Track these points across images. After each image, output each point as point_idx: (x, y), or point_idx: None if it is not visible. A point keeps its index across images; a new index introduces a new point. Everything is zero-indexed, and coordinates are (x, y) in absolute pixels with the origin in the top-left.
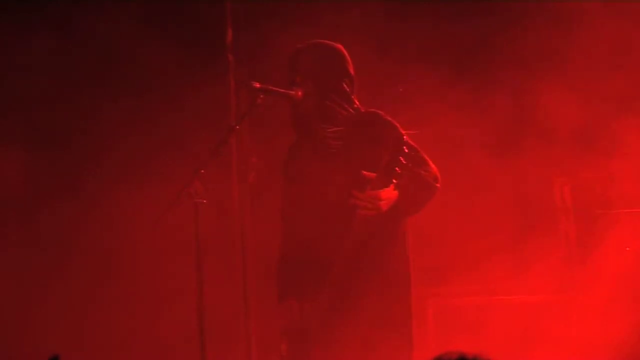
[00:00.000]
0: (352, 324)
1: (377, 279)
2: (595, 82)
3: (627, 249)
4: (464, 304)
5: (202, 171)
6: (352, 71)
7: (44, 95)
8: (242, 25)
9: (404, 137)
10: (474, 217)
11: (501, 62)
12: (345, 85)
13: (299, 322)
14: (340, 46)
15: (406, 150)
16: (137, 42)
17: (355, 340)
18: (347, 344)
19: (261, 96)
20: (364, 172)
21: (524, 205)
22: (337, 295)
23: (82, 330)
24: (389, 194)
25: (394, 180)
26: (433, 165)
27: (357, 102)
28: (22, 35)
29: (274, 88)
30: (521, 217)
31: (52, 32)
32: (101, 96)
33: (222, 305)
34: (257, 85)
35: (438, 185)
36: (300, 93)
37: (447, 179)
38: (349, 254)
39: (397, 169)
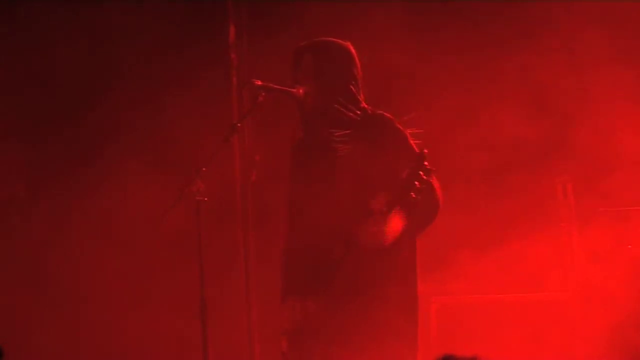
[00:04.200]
0: (356, 323)
1: (383, 278)
2: (598, 80)
3: (629, 246)
4: (466, 302)
5: (204, 169)
6: (358, 70)
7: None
8: (244, 23)
9: (425, 152)
10: (477, 215)
11: (502, 57)
12: (351, 87)
13: (301, 322)
14: (347, 44)
15: (427, 165)
16: (138, 41)
17: (358, 339)
18: (351, 343)
19: (263, 94)
20: (370, 203)
21: (527, 203)
22: (342, 294)
23: (81, 327)
24: (393, 226)
25: (413, 195)
26: (437, 183)
27: (364, 102)
28: (23, 12)
29: (276, 86)
30: (523, 216)
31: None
32: (100, 97)
33: (224, 303)
34: (259, 83)
35: (440, 204)
36: (302, 91)
37: (450, 178)
38: (355, 254)
39: (417, 183)
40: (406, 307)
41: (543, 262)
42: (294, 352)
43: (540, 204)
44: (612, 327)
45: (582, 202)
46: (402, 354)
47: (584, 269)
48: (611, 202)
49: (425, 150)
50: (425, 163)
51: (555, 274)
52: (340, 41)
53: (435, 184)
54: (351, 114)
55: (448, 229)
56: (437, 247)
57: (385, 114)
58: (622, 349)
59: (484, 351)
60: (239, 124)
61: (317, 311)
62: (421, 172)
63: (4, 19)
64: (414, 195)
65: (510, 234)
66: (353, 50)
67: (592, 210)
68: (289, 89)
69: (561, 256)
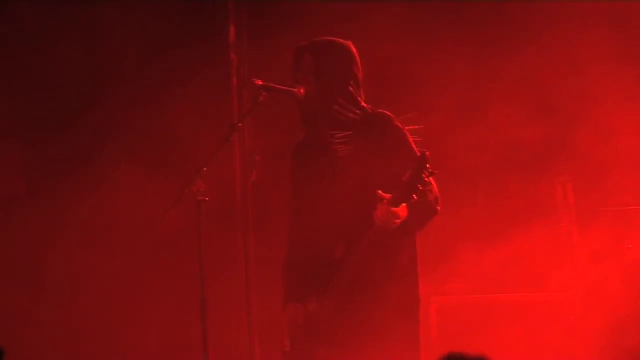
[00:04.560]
0: (356, 323)
1: (383, 277)
2: (598, 80)
3: (630, 246)
4: (466, 302)
5: (205, 169)
6: (359, 69)
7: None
8: (244, 23)
9: (427, 154)
10: (477, 215)
11: (502, 57)
12: (350, 87)
13: (303, 322)
14: (348, 43)
15: (429, 168)
16: (138, 41)
17: (360, 340)
18: (353, 344)
19: (263, 94)
20: (379, 192)
21: (526, 203)
22: (342, 294)
23: (80, 327)
24: (402, 212)
25: (414, 197)
26: (436, 187)
27: (363, 102)
28: (23, 11)
29: (276, 86)
30: (523, 216)
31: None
32: (100, 97)
33: (224, 302)
34: (259, 82)
35: (438, 208)
36: (302, 91)
37: (449, 177)
38: (356, 255)
39: (419, 185)
40: (407, 307)
41: (543, 262)
42: (296, 352)
43: (540, 204)
44: (611, 327)
45: (582, 202)
46: (403, 354)
47: (584, 269)
48: (611, 202)
49: (427, 153)
50: (427, 165)
51: (555, 273)
52: (340, 40)
53: (434, 185)
54: (351, 115)
55: (448, 229)
56: (436, 247)
57: (385, 112)
58: (622, 349)
59: (483, 351)
60: (239, 124)
61: (318, 311)
62: (423, 175)
63: (3, 19)
64: (415, 197)
65: (510, 234)
66: (354, 50)
67: (592, 210)
68: (290, 89)
69: (561, 256)
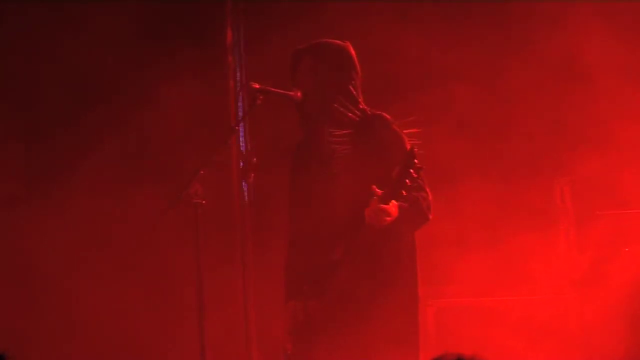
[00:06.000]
0: (357, 324)
1: (384, 279)
2: (599, 83)
3: (626, 249)
4: (464, 305)
5: (202, 172)
6: (358, 71)
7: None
8: (242, 25)
9: (415, 150)
10: (475, 218)
11: (503, 58)
12: (350, 87)
13: (304, 323)
14: (347, 45)
15: (417, 163)
16: (137, 41)
17: (361, 340)
18: (353, 344)
19: (260, 97)
20: (374, 187)
21: (524, 206)
22: (344, 295)
23: (77, 330)
24: (393, 210)
25: (404, 193)
26: (429, 193)
27: (362, 103)
28: (23, 11)
29: (274, 89)
30: (521, 218)
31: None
32: (98, 98)
33: (222, 306)
34: (257, 86)
35: (430, 216)
36: (299, 94)
37: (448, 180)
38: (355, 254)
39: (407, 181)
40: (407, 308)
41: (541, 265)
42: (297, 353)
43: (538, 207)
44: (609, 329)
45: (580, 205)
46: (404, 355)
47: (582, 272)
48: (609, 206)
49: (416, 148)
50: (415, 161)
51: (553, 276)
52: (338, 42)
53: (428, 192)
54: (350, 114)
55: (446, 231)
56: (434, 250)
57: (383, 114)
58: (620, 351)
59: (481, 354)
60: (236, 127)
61: (319, 312)
62: (411, 170)
63: (3, 19)
64: (404, 193)
65: (508, 237)
66: (352, 51)
67: (590, 213)
68: (287, 92)
69: (559, 259)
